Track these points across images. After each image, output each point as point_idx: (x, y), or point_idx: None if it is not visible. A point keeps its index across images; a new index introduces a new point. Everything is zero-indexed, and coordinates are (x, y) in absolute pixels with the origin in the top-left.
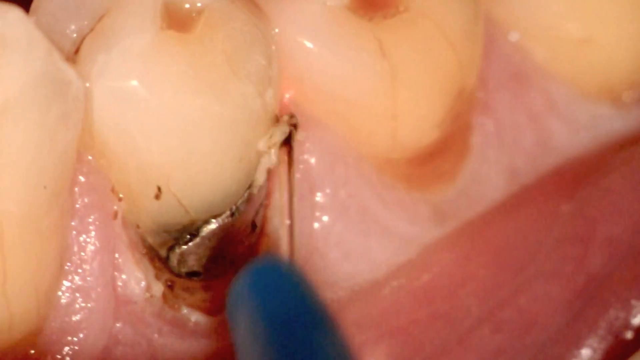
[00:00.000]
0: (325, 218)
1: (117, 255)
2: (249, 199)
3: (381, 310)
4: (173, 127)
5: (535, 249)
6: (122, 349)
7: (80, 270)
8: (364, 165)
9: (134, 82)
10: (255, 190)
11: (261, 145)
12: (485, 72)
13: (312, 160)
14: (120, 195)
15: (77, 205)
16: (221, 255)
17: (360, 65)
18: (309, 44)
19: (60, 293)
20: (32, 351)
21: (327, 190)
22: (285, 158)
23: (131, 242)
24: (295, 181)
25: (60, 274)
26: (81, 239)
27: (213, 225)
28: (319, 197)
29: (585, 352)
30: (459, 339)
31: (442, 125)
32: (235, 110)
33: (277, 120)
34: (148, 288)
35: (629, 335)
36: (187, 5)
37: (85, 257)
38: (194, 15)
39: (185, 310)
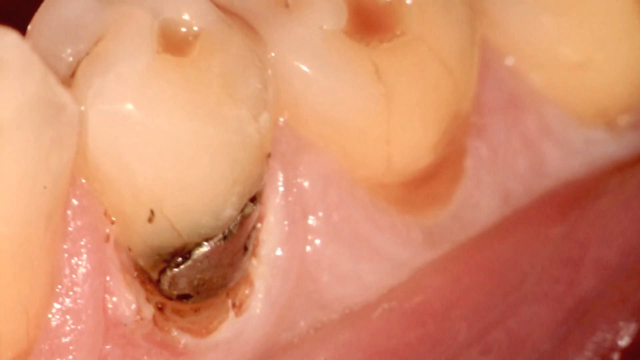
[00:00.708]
0: (317, 241)
1: (108, 277)
2: (241, 222)
3: (372, 332)
4: (167, 151)
5: (526, 271)
6: None
7: (71, 293)
8: (357, 189)
9: (129, 106)
10: (247, 214)
11: None
12: (481, 96)
13: (306, 184)
14: (113, 219)
15: (70, 228)
16: (213, 278)
17: (355, 89)
18: (305, 68)
19: (50, 315)
20: None
21: (320, 214)
22: None
23: (123, 264)
24: None
25: (51, 296)
26: (73, 261)
27: (205, 248)
28: (311, 220)
29: None
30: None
31: (436, 149)
32: (230, 134)
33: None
34: (139, 310)
35: (615, 357)
36: (183, 29)
37: (77, 279)
38: (190, 38)
39: (175, 333)
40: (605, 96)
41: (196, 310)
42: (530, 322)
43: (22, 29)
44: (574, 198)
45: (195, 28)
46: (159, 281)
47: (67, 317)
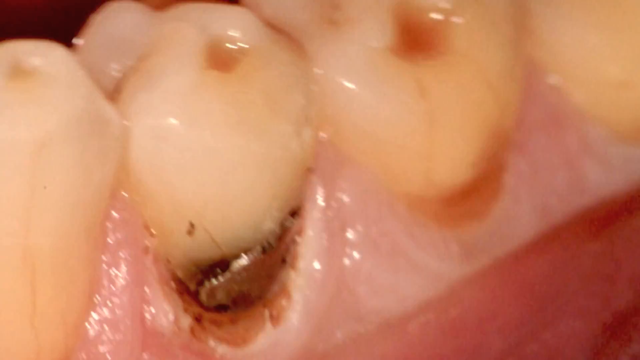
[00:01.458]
0: (356, 255)
1: (146, 288)
2: (280, 236)
3: (408, 344)
4: (209, 165)
5: (562, 286)
6: None
7: (109, 303)
8: (397, 203)
9: (174, 121)
10: (287, 227)
11: None
12: (523, 113)
13: (345, 199)
14: (153, 231)
15: (109, 240)
16: (250, 290)
17: (399, 106)
18: (349, 85)
19: (88, 325)
20: None
21: (359, 228)
22: None
23: (161, 276)
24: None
25: (89, 306)
26: (112, 272)
27: (244, 260)
28: (350, 234)
29: None
30: None
31: (476, 165)
32: (273, 149)
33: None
34: (176, 321)
35: None
36: (230, 45)
37: (115, 290)
38: (236, 55)
39: (212, 343)
40: None
41: (233, 321)
42: (565, 335)
43: (69, 44)
44: (611, 214)
45: (242, 44)
46: (197, 292)
47: (105, 326)
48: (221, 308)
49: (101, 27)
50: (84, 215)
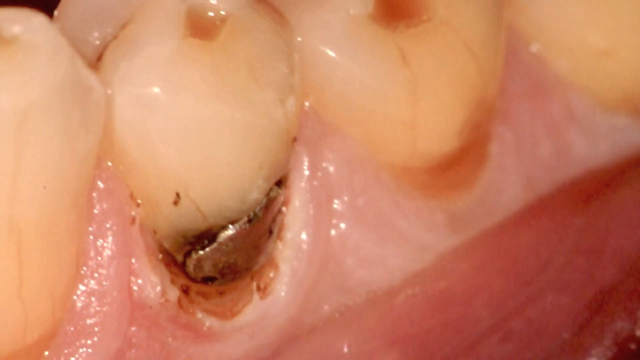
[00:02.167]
0: (342, 225)
1: (133, 260)
2: (267, 206)
3: (395, 317)
4: (193, 134)
5: (547, 260)
6: (136, 353)
7: (96, 275)
8: (383, 173)
9: (156, 89)
10: (273, 197)
11: None
12: (506, 82)
13: (331, 169)
14: (139, 201)
15: (95, 211)
16: (237, 261)
17: (381, 74)
18: (331, 53)
19: (75, 297)
20: (47, 353)
21: (345, 198)
22: None
23: (148, 247)
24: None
25: (76, 278)
26: (98, 243)
27: (230, 231)
28: (336, 204)
29: None
30: (468, 347)
31: (461, 135)
32: (257, 117)
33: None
34: (163, 293)
35: (633, 346)
36: (210, 13)
37: (102, 261)
38: (217, 23)
39: (200, 315)
40: (630, 83)
41: (221, 293)
42: (550, 311)
43: (49, 12)
44: (596, 187)
45: (223, 12)
46: (184, 264)
47: (93, 299)
48: (208, 280)
49: None
50: (70, 185)
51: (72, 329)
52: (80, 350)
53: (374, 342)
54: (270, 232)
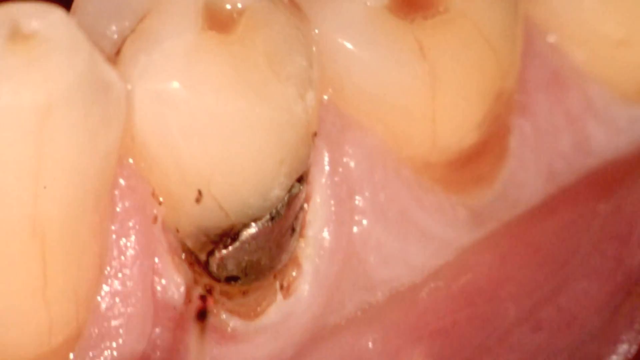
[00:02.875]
0: (364, 222)
1: (156, 259)
2: (288, 203)
3: (420, 312)
4: (214, 130)
5: (573, 248)
6: (161, 354)
7: (120, 275)
8: (403, 168)
9: (175, 84)
10: (294, 194)
11: None
12: (524, 73)
13: (352, 164)
14: (161, 199)
15: (118, 209)
16: (260, 260)
17: (400, 66)
18: (349, 45)
19: (99, 298)
20: (72, 355)
21: (367, 194)
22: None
23: (171, 246)
24: None
25: (100, 278)
26: (121, 243)
27: (253, 229)
28: (358, 200)
29: (622, 347)
30: (498, 338)
31: (480, 128)
32: (277, 112)
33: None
34: (187, 293)
35: None
36: (228, 6)
37: (125, 261)
38: (235, 16)
39: (223, 315)
40: None
41: (244, 293)
42: (580, 298)
43: (66, 6)
44: (620, 175)
45: (240, 5)
46: (207, 263)
47: (117, 300)
48: (232, 279)
49: None
50: (92, 182)
51: (96, 330)
52: (106, 352)
53: (400, 338)
54: (293, 229)
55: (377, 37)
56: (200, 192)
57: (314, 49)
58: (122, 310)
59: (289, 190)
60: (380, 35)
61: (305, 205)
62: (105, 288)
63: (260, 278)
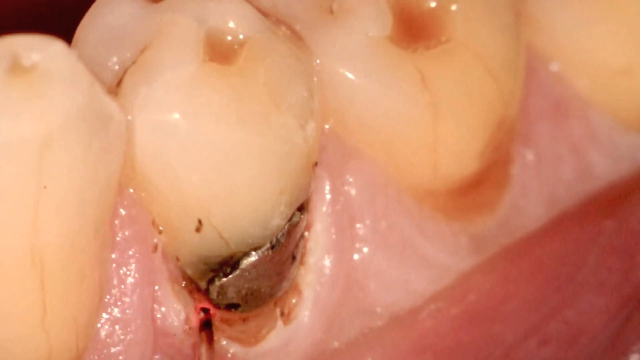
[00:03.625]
0: (365, 249)
1: (156, 287)
2: (289, 232)
3: (421, 333)
4: (214, 160)
5: (579, 263)
6: None
7: (119, 303)
8: (404, 196)
9: (176, 115)
10: (295, 223)
11: None
12: (526, 102)
13: (352, 192)
14: (161, 228)
15: (118, 238)
16: (261, 288)
17: (401, 96)
18: (350, 75)
19: (99, 325)
20: None
21: (367, 222)
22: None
23: (171, 274)
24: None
25: (100, 306)
26: (121, 271)
27: (253, 257)
28: (359, 228)
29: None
30: (504, 354)
31: (482, 156)
32: (277, 143)
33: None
34: (187, 320)
35: None
36: (229, 38)
37: (125, 289)
38: (236, 47)
39: (223, 342)
40: None
41: (244, 320)
42: (587, 311)
43: (67, 38)
44: (623, 194)
45: (241, 36)
46: (207, 291)
47: (116, 327)
48: (232, 307)
49: (97, 19)
50: (92, 212)
51: (96, 358)
52: None
53: (401, 359)
54: (294, 257)
55: (378, 67)
56: (200, 222)
57: (315, 79)
58: (122, 337)
59: (290, 219)
60: (382, 66)
61: (306, 233)
62: (105, 316)
63: (260, 305)
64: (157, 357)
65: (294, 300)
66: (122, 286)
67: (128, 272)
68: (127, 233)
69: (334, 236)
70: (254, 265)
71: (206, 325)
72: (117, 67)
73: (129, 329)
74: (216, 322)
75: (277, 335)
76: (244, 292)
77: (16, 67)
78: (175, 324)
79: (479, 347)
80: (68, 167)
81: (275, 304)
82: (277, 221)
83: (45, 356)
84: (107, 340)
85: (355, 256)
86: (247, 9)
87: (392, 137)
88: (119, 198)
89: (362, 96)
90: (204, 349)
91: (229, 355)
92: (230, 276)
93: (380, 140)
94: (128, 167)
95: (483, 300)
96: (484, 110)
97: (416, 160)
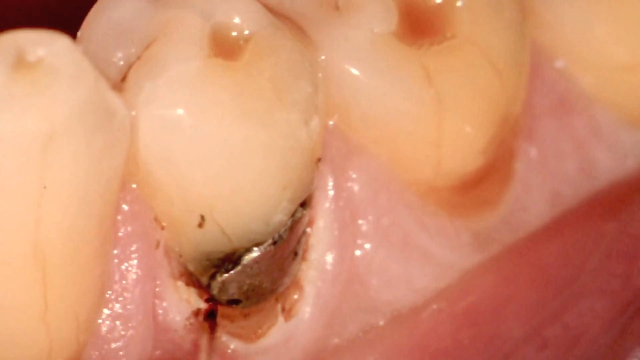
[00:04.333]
0: (367, 245)
1: (158, 283)
2: (291, 227)
3: (422, 333)
4: (218, 156)
5: (580, 267)
6: None
7: (121, 299)
8: (407, 192)
9: (180, 111)
10: (297, 219)
11: None
12: (530, 98)
13: (355, 188)
14: (163, 224)
15: (120, 234)
16: (262, 283)
17: (406, 92)
18: (355, 71)
19: (100, 321)
20: None
21: (370, 218)
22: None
23: (172, 270)
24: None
25: (101, 301)
26: (123, 267)
27: (255, 253)
28: (361, 224)
29: None
30: (503, 357)
31: (486, 152)
32: (281, 138)
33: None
34: (188, 316)
35: None
36: (234, 33)
37: (127, 285)
38: (241, 42)
39: (224, 338)
40: None
41: (246, 315)
42: (586, 316)
43: (72, 33)
44: (626, 196)
45: (246, 32)
46: (208, 286)
47: (117, 322)
48: (233, 302)
49: (102, 15)
50: (94, 208)
51: (97, 353)
52: None
53: (401, 358)
54: (295, 253)
55: (383, 63)
56: (203, 217)
57: (319, 75)
58: (123, 333)
59: (292, 215)
60: (387, 62)
61: (309, 229)
62: (106, 311)
63: (261, 301)
64: (157, 352)
65: (295, 297)
66: (124, 282)
67: (130, 268)
68: (129, 229)
69: (336, 232)
70: (255, 261)
71: (210, 316)
72: (121, 62)
73: (130, 325)
74: (217, 317)
75: (278, 331)
76: (245, 287)
77: (21, 63)
78: (177, 320)
79: (478, 350)
80: (71, 162)
81: (277, 300)
82: (280, 217)
83: (46, 351)
84: (108, 335)
85: (358, 252)
86: (252, 5)
87: (396, 133)
88: (121, 194)
89: (366, 92)
90: (205, 340)
91: (230, 351)
92: (232, 272)
93: (384, 137)
94: (131, 162)
95: (484, 302)
96: (488, 107)
97: (420, 156)
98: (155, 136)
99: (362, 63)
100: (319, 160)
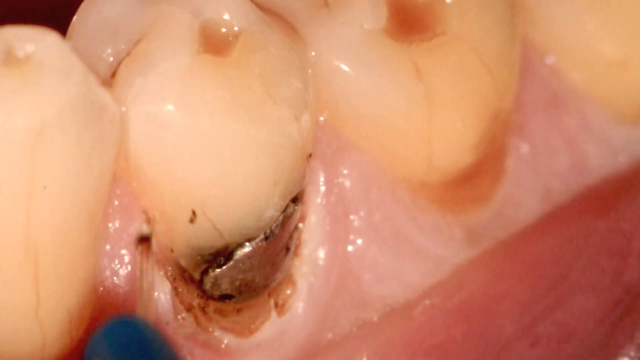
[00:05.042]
0: (359, 241)
1: (149, 278)
2: (283, 223)
3: (414, 328)
4: (208, 152)
5: (571, 264)
6: None
7: (112, 293)
8: (399, 188)
9: (170, 107)
10: (289, 214)
11: None
12: (521, 95)
13: (347, 184)
14: (155, 219)
15: (111, 229)
16: (255, 279)
17: (396, 88)
18: (345, 67)
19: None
20: None
21: (362, 213)
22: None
23: (164, 265)
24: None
25: (93, 297)
26: (114, 262)
27: (247, 248)
28: (353, 220)
29: None
30: (495, 353)
31: (477, 148)
32: (271, 134)
33: None
34: (181, 311)
35: None
36: (223, 29)
37: (118, 280)
38: (230, 39)
39: (217, 333)
40: None
41: (238, 311)
42: (578, 312)
43: (62, 30)
44: (617, 192)
45: (236, 28)
46: (201, 281)
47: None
48: (226, 298)
49: (92, 11)
50: (85, 203)
51: None
52: None
53: (394, 354)
54: (287, 249)
55: (373, 60)
56: (194, 213)
57: (309, 71)
58: None
59: (284, 211)
60: (377, 58)
61: (301, 225)
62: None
63: (254, 296)
64: None
65: (288, 292)
66: (115, 277)
67: (121, 263)
68: (120, 224)
69: (328, 228)
70: (247, 256)
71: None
72: (111, 58)
73: None
74: (210, 312)
75: (270, 326)
76: (237, 283)
77: (10, 58)
78: (168, 313)
79: (471, 346)
80: (62, 157)
81: (269, 295)
82: (271, 212)
83: (39, 347)
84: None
85: (350, 248)
86: (241, 1)
87: (387, 129)
88: (112, 189)
89: (356, 88)
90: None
91: (223, 346)
92: (224, 267)
93: (375, 132)
94: (122, 158)
95: (476, 298)
96: (479, 103)
97: (411, 152)
98: (146, 132)
99: (352, 59)
100: (310, 156)
